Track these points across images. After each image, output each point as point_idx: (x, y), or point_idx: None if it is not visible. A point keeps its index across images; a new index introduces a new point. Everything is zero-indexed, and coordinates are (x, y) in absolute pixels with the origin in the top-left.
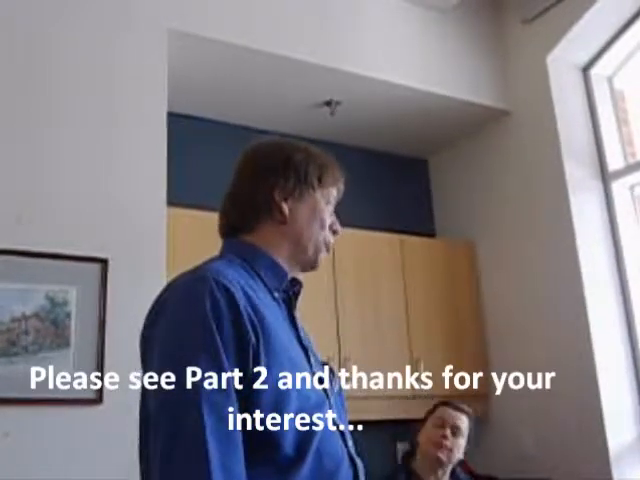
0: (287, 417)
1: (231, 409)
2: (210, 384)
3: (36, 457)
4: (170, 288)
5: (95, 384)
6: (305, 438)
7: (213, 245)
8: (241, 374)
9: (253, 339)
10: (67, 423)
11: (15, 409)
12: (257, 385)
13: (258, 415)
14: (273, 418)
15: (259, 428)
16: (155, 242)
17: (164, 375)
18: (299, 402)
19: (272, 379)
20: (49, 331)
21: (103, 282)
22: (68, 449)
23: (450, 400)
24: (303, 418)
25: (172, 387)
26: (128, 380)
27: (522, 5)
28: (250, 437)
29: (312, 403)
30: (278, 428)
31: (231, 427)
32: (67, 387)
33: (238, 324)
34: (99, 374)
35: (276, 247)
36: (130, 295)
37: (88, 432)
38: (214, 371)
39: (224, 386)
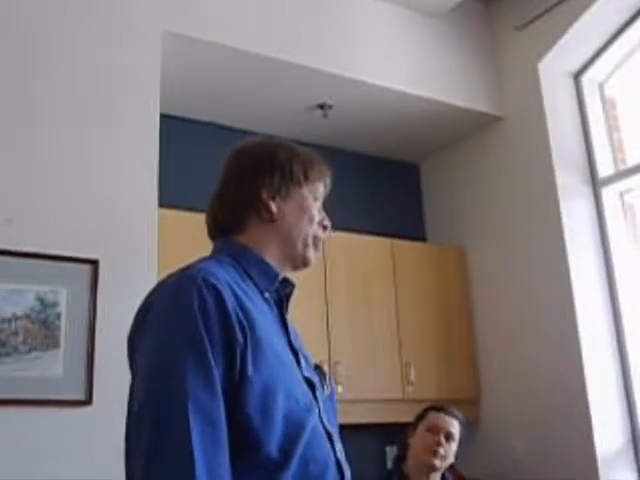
0: (274, 419)
1: (217, 410)
2: (197, 384)
3: (25, 458)
4: (158, 288)
5: (85, 385)
6: (291, 441)
7: (204, 247)
8: (229, 374)
9: (241, 339)
10: (57, 424)
11: (4, 410)
12: (244, 386)
13: (244, 416)
14: (259, 420)
15: (245, 430)
16: (146, 243)
17: (151, 374)
18: (287, 404)
19: (260, 380)
20: (39, 332)
21: (94, 283)
22: (57, 450)
23: (441, 405)
24: (290, 421)
25: (158, 386)
26: (118, 381)
27: (514, 12)
28: (235, 439)
29: (300, 406)
30: (264, 430)
31: (217, 428)
32: (57, 388)
33: (226, 324)
34: (89, 375)
35: (266, 246)
36: (120, 296)
37: (77, 433)
38: (201, 371)
39: (211, 386)
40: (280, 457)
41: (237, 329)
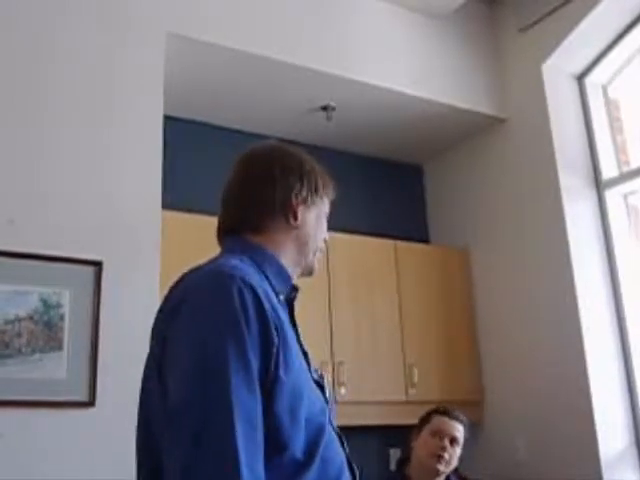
0: (300, 421)
1: (257, 410)
2: (240, 384)
3: (29, 459)
4: (190, 283)
5: (88, 387)
6: (314, 442)
7: (207, 248)
8: (262, 375)
9: (276, 340)
10: (60, 426)
11: (8, 411)
12: (277, 387)
13: (275, 417)
14: (288, 421)
15: (274, 430)
16: (149, 245)
17: (194, 371)
18: (308, 407)
19: (290, 382)
20: (42, 333)
21: (97, 284)
22: (61, 452)
23: (445, 408)
24: (312, 423)
25: (203, 383)
26: (121, 383)
27: (518, 14)
28: (264, 440)
29: (317, 408)
30: (291, 431)
31: (257, 430)
32: (60, 390)
33: (264, 324)
34: (92, 377)
35: (283, 250)
36: (124, 298)
37: (81, 435)
38: (243, 368)
39: (252, 385)
40: (304, 458)
41: (273, 330)
